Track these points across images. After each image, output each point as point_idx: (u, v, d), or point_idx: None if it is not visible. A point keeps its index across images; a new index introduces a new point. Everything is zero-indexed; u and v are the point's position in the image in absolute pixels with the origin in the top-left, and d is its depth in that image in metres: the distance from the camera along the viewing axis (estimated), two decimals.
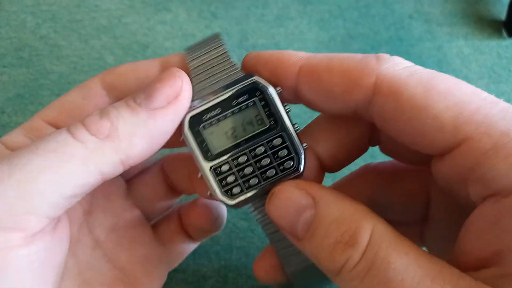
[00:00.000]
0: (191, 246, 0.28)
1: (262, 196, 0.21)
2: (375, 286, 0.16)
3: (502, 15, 0.41)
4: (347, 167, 0.24)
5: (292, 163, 0.20)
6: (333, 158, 0.22)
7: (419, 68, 0.19)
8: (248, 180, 0.21)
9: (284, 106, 0.21)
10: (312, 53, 0.20)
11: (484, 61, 0.40)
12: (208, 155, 0.21)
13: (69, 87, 0.35)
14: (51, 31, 0.39)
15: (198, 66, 0.21)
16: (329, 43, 0.40)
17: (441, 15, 0.41)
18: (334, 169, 0.23)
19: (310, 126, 0.23)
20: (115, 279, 0.24)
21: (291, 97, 0.21)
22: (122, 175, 0.25)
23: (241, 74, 0.21)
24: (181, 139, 0.21)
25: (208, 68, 0.21)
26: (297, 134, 0.21)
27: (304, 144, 0.21)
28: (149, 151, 0.20)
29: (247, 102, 0.20)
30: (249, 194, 0.21)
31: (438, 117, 0.17)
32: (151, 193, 0.27)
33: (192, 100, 0.20)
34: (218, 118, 0.20)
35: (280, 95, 0.21)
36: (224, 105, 0.20)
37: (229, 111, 0.20)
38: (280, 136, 0.20)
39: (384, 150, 0.23)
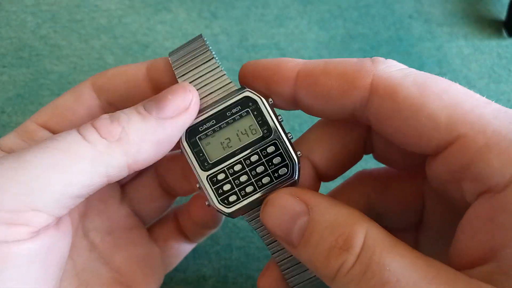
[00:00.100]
0: (188, 248, 0.29)
1: (258, 204, 0.21)
2: None
3: (502, 15, 0.41)
4: (342, 175, 0.24)
5: (286, 170, 0.21)
6: (329, 166, 0.22)
7: (413, 70, 0.19)
8: (244, 188, 0.21)
9: (276, 116, 0.21)
10: (308, 60, 0.21)
11: (484, 61, 0.40)
12: (205, 164, 0.21)
13: (69, 87, 0.35)
14: (51, 31, 0.39)
15: (190, 82, 0.22)
16: (329, 43, 0.40)
17: (441, 15, 0.41)
18: (330, 177, 0.23)
19: (305, 135, 0.23)
20: (112, 280, 0.24)
21: (289, 103, 0.21)
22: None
23: (233, 87, 0.22)
24: (179, 151, 0.22)
25: (202, 83, 0.22)
26: (290, 142, 0.21)
27: (298, 152, 0.21)
28: (155, 158, 0.20)
29: (241, 112, 0.21)
30: (245, 202, 0.21)
31: (433, 115, 0.18)
32: (146, 196, 0.27)
33: None
34: (214, 129, 0.21)
35: (272, 106, 0.21)
36: (218, 117, 0.21)
37: (224, 122, 0.21)
38: (274, 144, 0.21)
39: (378, 158, 0.24)
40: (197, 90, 0.21)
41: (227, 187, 0.21)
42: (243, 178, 0.21)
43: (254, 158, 0.21)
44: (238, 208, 0.21)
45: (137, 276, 0.25)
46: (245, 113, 0.21)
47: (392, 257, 0.17)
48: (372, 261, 0.17)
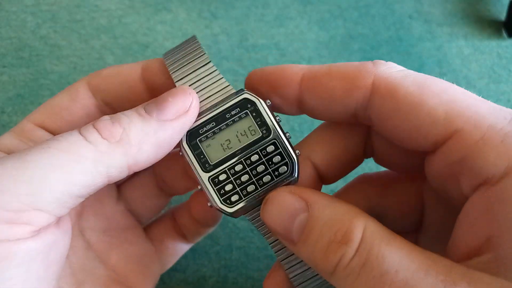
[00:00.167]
0: (184, 248, 0.29)
1: (260, 203, 0.22)
2: (371, 280, 0.17)
3: (502, 15, 0.41)
4: (343, 180, 0.24)
5: (286, 168, 0.21)
6: (330, 168, 0.23)
7: (412, 71, 0.20)
8: (245, 187, 0.22)
9: (274, 116, 0.22)
10: (311, 65, 0.21)
11: (484, 61, 0.40)
12: (206, 166, 0.22)
13: None
14: (51, 31, 0.39)
15: (189, 86, 0.22)
16: (329, 43, 0.40)
17: (441, 15, 0.41)
18: (331, 179, 0.24)
19: (307, 138, 0.24)
20: (108, 279, 0.24)
21: (295, 106, 0.22)
22: None
23: (231, 90, 0.22)
24: (180, 154, 0.22)
25: (200, 86, 0.22)
26: (289, 141, 0.22)
27: (297, 151, 0.22)
28: (155, 159, 0.21)
29: (240, 114, 0.22)
30: (247, 201, 0.22)
31: (431, 112, 0.18)
32: (142, 195, 0.27)
33: None
34: (214, 131, 0.22)
35: (270, 107, 0.22)
36: (218, 119, 0.22)
37: (223, 124, 0.22)
38: (273, 144, 0.22)
39: (378, 160, 0.24)
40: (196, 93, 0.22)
41: (228, 187, 0.22)
42: (244, 178, 0.22)
43: (254, 158, 0.22)
44: (240, 208, 0.22)
45: (133, 275, 0.25)
46: (244, 115, 0.22)
47: (390, 249, 0.17)
48: (371, 254, 0.17)
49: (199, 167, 0.22)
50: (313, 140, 0.23)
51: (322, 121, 0.24)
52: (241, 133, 0.22)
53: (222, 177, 0.22)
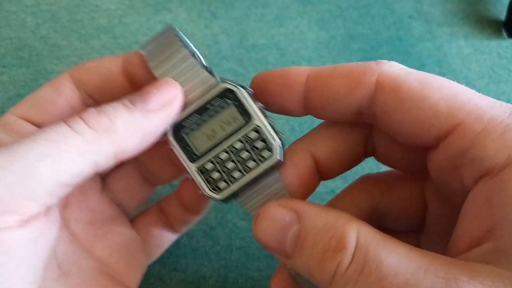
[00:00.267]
0: (171, 238, 0.29)
1: (248, 188, 0.23)
2: (370, 285, 0.17)
3: (502, 15, 0.41)
4: (344, 182, 0.24)
5: (269, 153, 0.22)
6: (330, 162, 0.23)
7: (414, 69, 0.20)
8: (232, 174, 0.22)
9: (255, 103, 0.22)
10: (320, 67, 0.22)
11: (484, 61, 0.40)
12: (192, 156, 0.22)
13: None
14: (51, 31, 0.39)
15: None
16: (329, 43, 0.40)
17: (441, 15, 0.41)
18: (330, 175, 0.24)
19: (310, 132, 0.24)
20: (94, 269, 0.24)
21: (300, 106, 0.22)
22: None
23: (212, 81, 0.22)
24: (167, 146, 0.23)
25: (182, 81, 0.22)
26: (272, 126, 0.22)
27: (282, 135, 0.22)
28: (141, 148, 0.21)
29: (222, 104, 0.22)
30: (234, 187, 0.22)
31: (433, 106, 0.19)
32: (126, 185, 0.28)
33: None
34: (198, 123, 0.22)
35: (250, 95, 0.22)
36: (201, 111, 0.22)
37: (207, 114, 0.22)
38: (255, 130, 0.22)
39: (380, 159, 0.24)
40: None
41: (215, 175, 0.22)
42: (230, 165, 0.22)
43: (238, 145, 0.22)
44: (229, 194, 0.22)
45: (119, 265, 0.25)
46: (225, 104, 0.22)
47: (387, 252, 0.17)
48: (367, 258, 0.17)
49: (186, 158, 0.22)
50: (315, 134, 0.24)
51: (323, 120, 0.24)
52: (224, 122, 0.22)
53: (209, 166, 0.22)
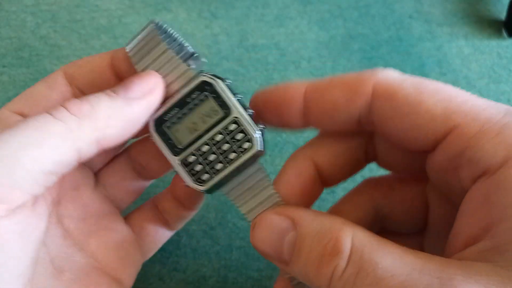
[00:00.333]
0: (166, 235, 0.29)
1: (230, 178, 0.23)
2: (367, 287, 0.17)
3: (502, 15, 0.41)
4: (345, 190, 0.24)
5: (249, 144, 0.22)
6: (332, 170, 0.23)
7: (408, 75, 0.21)
8: (214, 165, 0.23)
9: (234, 95, 0.23)
10: (317, 80, 0.22)
11: (484, 61, 0.40)
12: (175, 150, 0.23)
13: None
14: (51, 31, 0.39)
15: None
16: (329, 43, 0.40)
17: (441, 15, 0.41)
18: (332, 182, 0.24)
19: (311, 140, 0.24)
20: (87, 265, 0.24)
21: (300, 120, 0.23)
22: (90, 166, 0.27)
23: (190, 74, 0.23)
24: (150, 139, 0.23)
25: (161, 75, 0.23)
26: (251, 117, 0.22)
27: (261, 125, 0.23)
28: (123, 136, 0.21)
29: (201, 97, 0.23)
30: (217, 179, 0.23)
31: (430, 109, 0.19)
32: (119, 180, 0.28)
33: None
34: (178, 116, 0.23)
35: (228, 86, 0.23)
36: (181, 104, 0.23)
37: (187, 108, 0.23)
38: (235, 122, 0.22)
39: (381, 164, 0.24)
40: None
41: (198, 167, 0.23)
42: (212, 157, 0.23)
43: (218, 137, 0.23)
44: (212, 185, 0.23)
45: (113, 262, 0.25)
46: (204, 97, 0.23)
47: (382, 254, 0.17)
48: (363, 261, 0.17)
49: (168, 151, 0.23)
50: (316, 142, 0.24)
51: None
52: (205, 115, 0.23)
53: (191, 158, 0.23)
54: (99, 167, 0.28)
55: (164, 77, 0.23)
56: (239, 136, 0.22)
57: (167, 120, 0.23)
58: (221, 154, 0.23)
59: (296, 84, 0.22)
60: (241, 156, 0.22)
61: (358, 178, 0.26)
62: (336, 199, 0.32)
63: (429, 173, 0.21)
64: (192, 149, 0.23)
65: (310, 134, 0.36)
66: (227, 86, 0.23)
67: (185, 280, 0.32)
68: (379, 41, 0.40)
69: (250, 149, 0.22)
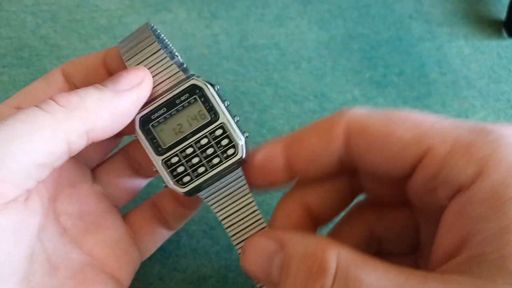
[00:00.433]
0: (164, 235, 0.29)
1: (211, 183, 0.23)
2: None
3: (502, 15, 0.41)
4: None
5: (233, 150, 0.23)
6: (323, 208, 0.24)
7: (375, 109, 0.22)
8: (196, 169, 0.23)
9: (223, 101, 0.23)
10: (291, 133, 0.23)
11: (484, 61, 0.40)
12: (159, 149, 0.23)
13: None
14: (51, 31, 0.39)
15: None
16: (329, 43, 0.40)
17: (441, 15, 0.41)
18: (324, 220, 0.25)
19: (298, 183, 0.25)
20: (84, 263, 0.24)
21: (286, 176, 0.23)
22: (87, 163, 0.27)
23: (181, 76, 0.23)
24: (135, 137, 0.23)
25: (151, 74, 0.23)
26: (237, 124, 0.23)
27: (246, 134, 0.23)
28: (112, 128, 0.22)
29: (189, 99, 0.23)
30: (198, 182, 0.23)
31: (401, 138, 0.20)
32: (117, 178, 0.28)
33: None
34: (165, 117, 0.23)
35: (218, 91, 0.23)
36: (168, 105, 0.23)
37: (174, 109, 0.23)
38: (221, 127, 0.23)
39: (368, 195, 0.25)
40: None
41: (180, 169, 0.23)
42: (195, 160, 0.23)
43: (204, 141, 0.23)
44: (192, 188, 0.23)
45: (110, 260, 0.25)
46: (193, 100, 0.23)
47: (366, 271, 0.18)
48: (348, 279, 0.18)
49: (152, 150, 0.23)
50: (303, 184, 0.24)
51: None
52: (191, 118, 0.23)
53: (174, 159, 0.23)
54: (96, 164, 0.28)
55: (154, 76, 0.23)
56: (224, 142, 0.23)
57: (153, 120, 0.23)
58: (204, 158, 0.23)
59: (272, 144, 0.23)
60: (224, 161, 0.23)
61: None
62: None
63: (410, 197, 0.22)
64: (176, 150, 0.23)
65: None
66: (217, 92, 0.23)
67: (185, 280, 0.32)
68: (379, 41, 0.40)
69: (234, 155, 0.23)
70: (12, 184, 0.19)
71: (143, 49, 0.23)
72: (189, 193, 0.23)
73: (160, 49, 0.23)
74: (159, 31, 0.25)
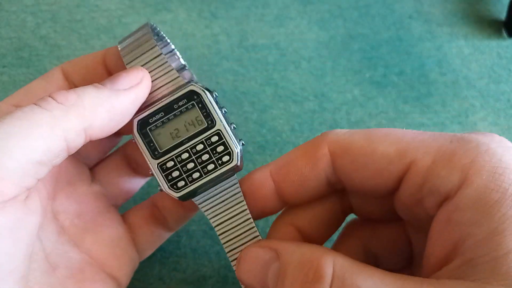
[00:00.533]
0: (163, 235, 0.29)
1: (205, 189, 0.23)
2: None
3: (502, 15, 0.41)
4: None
5: (228, 157, 0.23)
6: (314, 230, 0.24)
7: (356, 129, 0.22)
8: (191, 174, 0.23)
9: (220, 108, 0.23)
10: (271, 162, 0.24)
11: (484, 61, 0.40)
12: (155, 153, 0.23)
13: None
14: (51, 31, 0.39)
15: None
16: (329, 43, 0.40)
17: (441, 15, 0.41)
18: (317, 241, 0.25)
19: (288, 207, 0.25)
20: (82, 262, 0.24)
21: (276, 202, 0.24)
22: (85, 162, 0.27)
23: (180, 81, 0.23)
24: (133, 141, 0.24)
25: (151, 78, 0.23)
26: (233, 131, 0.23)
27: (242, 141, 0.23)
28: (110, 127, 0.22)
29: (187, 105, 0.23)
30: (192, 187, 0.23)
31: (384, 154, 0.21)
32: (115, 177, 0.28)
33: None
34: (163, 121, 0.23)
35: (215, 98, 0.23)
36: (166, 110, 0.23)
37: (172, 114, 0.23)
38: (217, 134, 0.23)
39: (358, 214, 0.26)
40: None
41: (175, 173, 0.23)
42: (190, 165, 0.23)
43: (199, 147, 0.23)
44: (186, 193, 0.23)
45: (109, 259, 0.25)
46: (191, 106, 0.23)
47: (363, 278, 0.18)
48: (345, 286, 0.18)
49: (149, 154, 0.23)
50: (294, 207, 0.25)
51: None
52: (188, 123, 0.23)
53: (170, 164, 0.23)
54: (95, 163, 0.28)
55: (153, 80, 0.23)
56: (220, 148, 0.23)
57: (151, 123, 0.23)
58: (199, 163, 0.23)
59: (259, 172, 0.23)
60: (219, 168, 0.23)
61: None
62: None
63: (399, 210, 0.22)
64: (172, 154, 0.23)
65: (309, 133, 0.36)
66: (215, 99, 0.23)
67: (185, 280, 0.32)
68: (379, 41, 0.40)
69: (229, 162, 0.23)
70: (11, 182, 0.19)
71: (143, 53, 0.23)
72: (184, 198, 0.23)
73: (161, 53, 0.23)
74: (158, 29, 0.25)
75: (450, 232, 0.19)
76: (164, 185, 0.23)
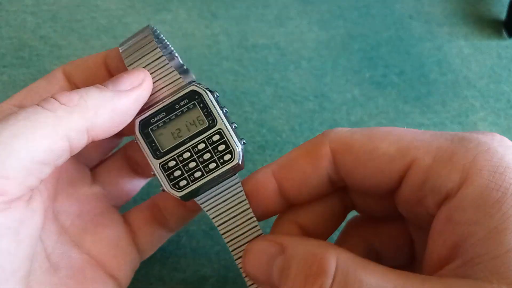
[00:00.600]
0: (164, 236, 0.29)
1: (207, 188, 0.24)
2: None
3: (502, 15, 0.41)
4: None
5: (230, 156, 0.23)
6: (316, 227, 0.24)
7: (357, 128, 0.23)
8: (193, 173, 0.23)
9: (221, 108, 0.23)
10: (273, 161, 0.24)
11: (484, 61, 0.40)
12: (157, 153, 0.23)
13: None
14: (51, 31, 0.39)
15: None
16: (329, 43, 0.40)
17: (441, 15, 0.41)
18: (320, 237, 0.25)
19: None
20: (83, 262, 0.25)
21: (280, 201, 0.24)
22: (86, 163, 0.27)
23: (181, 82, 0.24)
24: (135, 141, 0.24)
25: (153, 79, 0.24)
26: (234, 131, 0.23)
27: (243, 140, 0.24)
28: (112, 127, 0.22)
29: (188, 105, 0.23)
30: (194, 186, 0.23)
31: (385, 152, 0.21)
32: (116, 177, 0.28)
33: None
34: (164, 121, 0.23)
35: (216, 98, 0.24)
36: (168, 110, 0.23)
37: (173, 114, 0.23)
38: (218, 133, 0.23)
39: (360, 211, 0.26)
40: None
41: (177, 173, 0.23)
42: (192, 165, 0.23)
43: (201, 146, 0.23)
44: (188, 192, 0.23)
45: (109, 259, 0.26)
46: (192, 106, 0.23)
47: (366, 273, 0.18)
48: (348, 280, 0.18)
49: (150, 154, 0.23)
50: (296, 205, 0.25)
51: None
52: (190, 123, 0.23)
53: (172, 163, 0.23)
54: (96, 164, 0.28)
55: (155, 81, 0.23)
56: (221, 147, 0.23)
57: (153, 123, 0.23)
58: (201, 162, 0.23)
59: (261, 172, 0.24)
60: (220, 167, 0.23)
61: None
62: None
63: (400, 209, 0.22)
64: (173, 154, 0.23)
65: (309, 133, 0.36)
66: (216, 98, 0.23)
67: (185, 280, 0.32)
68: (379, 41, 0.40)
69: (231, 161, 0.23)
70: (16, 182, 0.19)
71: (145, 55, 0.23)
72: (186, 198, 0.23)
73: (162, 55, 0.23)
74: (158, 31, 0.25)
75: (451, 231, 0.19)
76: (166, 185, 0.23)
